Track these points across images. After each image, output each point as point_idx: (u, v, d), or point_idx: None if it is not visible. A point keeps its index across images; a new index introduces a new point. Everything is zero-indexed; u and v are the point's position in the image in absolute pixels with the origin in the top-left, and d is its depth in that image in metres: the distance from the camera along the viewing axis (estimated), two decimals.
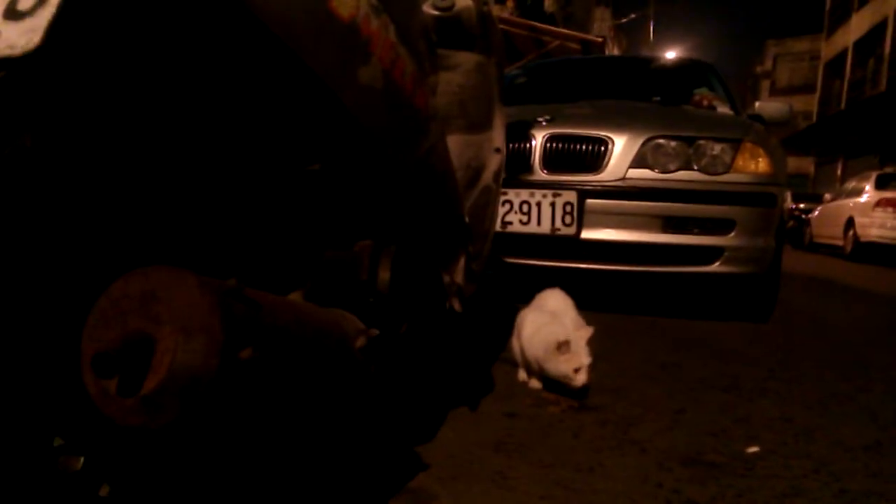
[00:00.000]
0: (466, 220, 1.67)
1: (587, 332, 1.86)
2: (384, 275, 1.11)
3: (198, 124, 0.84)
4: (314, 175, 0.96)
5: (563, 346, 1.80)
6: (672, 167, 3.06)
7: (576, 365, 1.80)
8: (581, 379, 1.81)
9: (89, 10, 0.61)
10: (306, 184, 0.97)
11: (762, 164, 3.12)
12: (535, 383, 1.97)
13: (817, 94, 30.01)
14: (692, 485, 1.36)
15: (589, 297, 2.69)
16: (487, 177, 2.00)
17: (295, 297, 1.00)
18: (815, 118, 27.60)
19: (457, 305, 1.53)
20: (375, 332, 0.99)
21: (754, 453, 1.56)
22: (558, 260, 3.18)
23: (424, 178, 1.21)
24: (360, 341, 0.96)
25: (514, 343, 2.07)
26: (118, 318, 0.64)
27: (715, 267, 3.05)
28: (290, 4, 0.75)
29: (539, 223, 3.11)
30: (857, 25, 25.15)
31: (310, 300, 1.02)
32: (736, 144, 3.11)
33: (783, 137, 18.02)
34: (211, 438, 0.78)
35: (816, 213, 13.11)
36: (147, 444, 0.65)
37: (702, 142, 3.09)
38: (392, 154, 1.03)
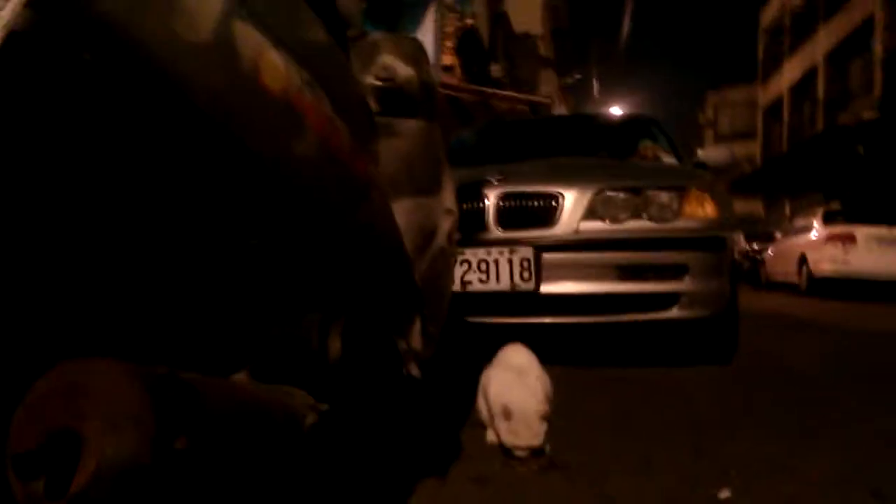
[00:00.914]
0: (419, 283, 1.66)
1: (544, 406, 1.84)
2: (334, 346, 1.10)
3: (127, 200, 0.82)
4: (254, 249, 0.95)
5: (504, 414, 1.80)
6: (622, 217, 3.12)
7: (513, 441, 1.81)
8: (521, 454, 1.80)
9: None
10: (246, 259, 0.96)
11: (709, 209, 3.20)
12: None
13: (759, 139, 31.29)
14: None
15: (553, 350, 2.69)
16: (441, 238, 2.01)
17: (240, 377, 0.98)
18: (759, 162, 28.68)
19: (414, 371, 1.50)
20: (325, 406, 0.97)
21: (727, 499, 1.55)
22: (520, 316, 3.18)
23: (369, 246, 1.21)
24: (311, 418, 0.94)
25: (481, 403, 2.04)
26: (42, 415, 0.61)
27: (673, 312, 3.09)
28: (219, 81, 0.75)
29: (498, 280, 3.12)
30: (790, 72, 26.50)
31: (256, 378, 0.99)
32: (682, 192, 3.19)
33: (732, 180, 18.63)
34: None
35: (770, 252, 13.46)
36: None
37: (649, 191, 3.17)
38: (333, 223, 1.03)
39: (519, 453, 1.79)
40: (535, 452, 1.80)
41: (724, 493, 1.57)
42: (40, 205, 0.74)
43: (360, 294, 1.30)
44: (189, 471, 0.67)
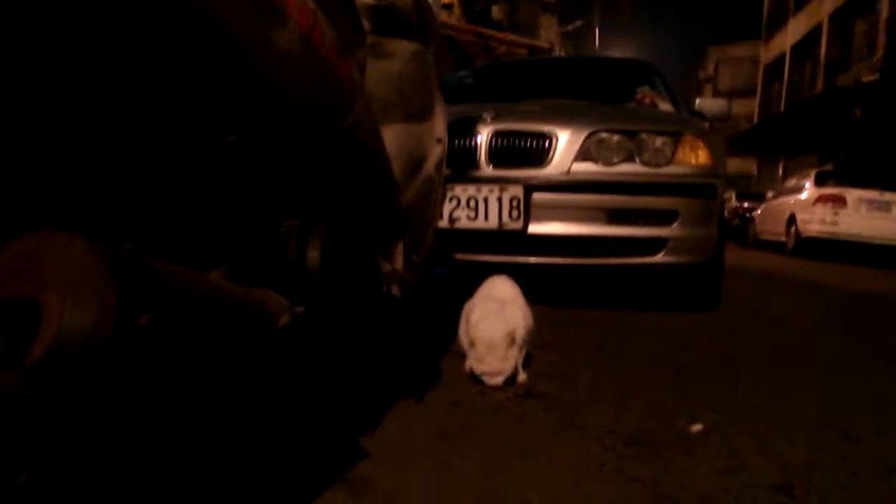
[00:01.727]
0: (405, 207, 1.64)
1: (517, 333, 1.84)
2: (313, 254, 1.08)
3: (103, 88, 0.79)
4: (231, 147, 0.92)
5: (472, 342, 1.82)
6: (615, 160, 3.09)
7: (482, 369, 1.82)
8: (489, 381, 1.82)
9: None
10: (223, 156, 0.93)
11: (702, 156, 3.18)
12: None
13: (758, 97, 30.98)
14: (635, 463, 1.36)
15: (538, 291, 2.69)
16: (429, 167, 1.98)
17: (214, 275, 0.96)
18: (755, 120, 28.49)
19: (395, 290, 1.49)
20: (301, 309, 0.96)
21: (698, 432, 1.57)
22: (507, 255, 3.18)
23: (352, 155, 1.18)
24: (285, 319, 0.92)
25: (462, 333, 2.04)
26: (0, 283, 0.59)
27: (660, 257, 3.09)
28: None
29: (486, 218, 3.10)
30: (794, 30, 26.09)
31: (232, 280, 0.97)
32: (676, 137, 3.16)
33: (726, 138, 18.51)
34: (115, 413, 0.73)
35: (759, 211, 13.49)
36: (36, 417, 0.60)
37: (643, 135, 3.13)
38: (312, 125, 1.00)
39: (486, 379, 1.80)
40: (506, 380, 1.82)
41: (696, 428, 1.59)
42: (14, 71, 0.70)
43: (342, 208, 1.28)
44: (153, 350, 0.65)
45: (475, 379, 1.86)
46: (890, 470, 1.37)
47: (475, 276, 2.16)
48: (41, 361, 0.57)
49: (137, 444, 0.91)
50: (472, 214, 3.11)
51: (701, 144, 3.20)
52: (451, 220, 3.13)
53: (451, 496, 1.17)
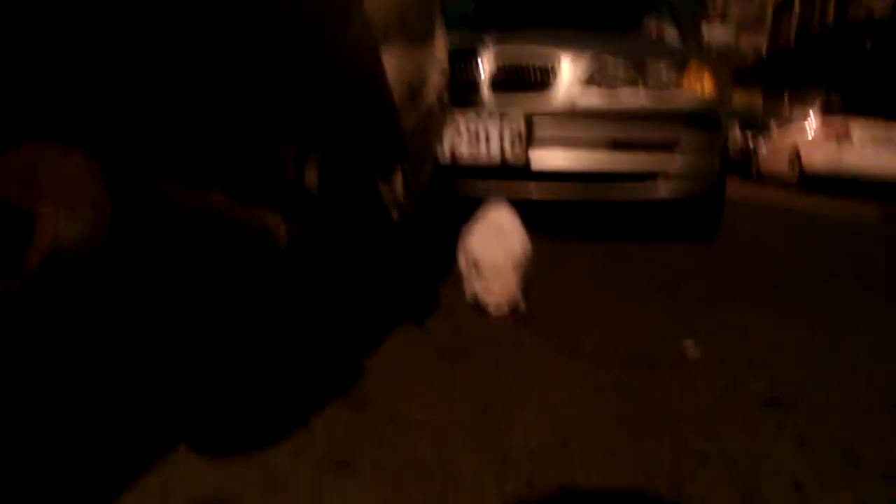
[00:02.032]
0: (404, 132, 1.62)
1: (519, 260, 1.85)
2: (311, 175, 1.07)
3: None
4: (227, 61, 0.90)
5: (475, 268, 1.81)
6: (619, 88, 3.04)
7: (487, 295, 1.82)
8: (493, 308, 1.82)
9: None
10: (215, 71, 0.91)
11: (707, 85, 3.12)
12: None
13: (767, 31, 30.16)
14: (632, 383, 1.39)
15: (538, 221, 2.69)
16: (429, 93, 1.94)
17: (213, 194, 0.96)
18: (764, 54, 27.82)
19: (395, 215, 1.50)
20: (298, 227, 0.96)
21: (692, 352, 1.60)
22: (508, 185, 3.16)
23: (350, 75, 1.16)
24: (282, 236, 0.93)
25: (461, 259, 2.05)
26: None
27: (661, 187, 3.08)
28: None
29: (487, 146, 3.07)
30: None
31: (231, 198, 0.97)
32: (682, 65, 3.10)
33: (733, 71, 18.13)
34: (114, 325, 0.75)
35: (764, 144, 13.31)
36: (37, 323, 0.61)
37: (648, 63, 3.06)
38: (310, 43, 0.97)
39: (491, 307, 1.82)
40: (509, 307, 1.83)
41: (693, 350, 1.62)
42: None
43: (341, 130, 1.26)
44: (150, 259, 0.66)
45: (477, 306, 1.88)
46: (880, 388, 1.40)
47: (474, 206, 2.16)
48: (38, 269, 0.58)
49: (140, 354, 0.93)
50: (473, 144, 3.08)
51: (706, 73, 3.14)
52: (452, 150, 3.09)
53: (447, 410, 1.21)
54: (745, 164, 14.29)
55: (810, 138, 10.32)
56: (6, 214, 0.59)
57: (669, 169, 3.05)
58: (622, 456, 1.05)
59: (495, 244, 1.88)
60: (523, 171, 3.08)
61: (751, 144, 14.60)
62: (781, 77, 23.23)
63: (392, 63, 1.61)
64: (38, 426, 0.80)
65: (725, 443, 1.10)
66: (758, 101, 28.11)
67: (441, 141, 2.78)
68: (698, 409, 1.25)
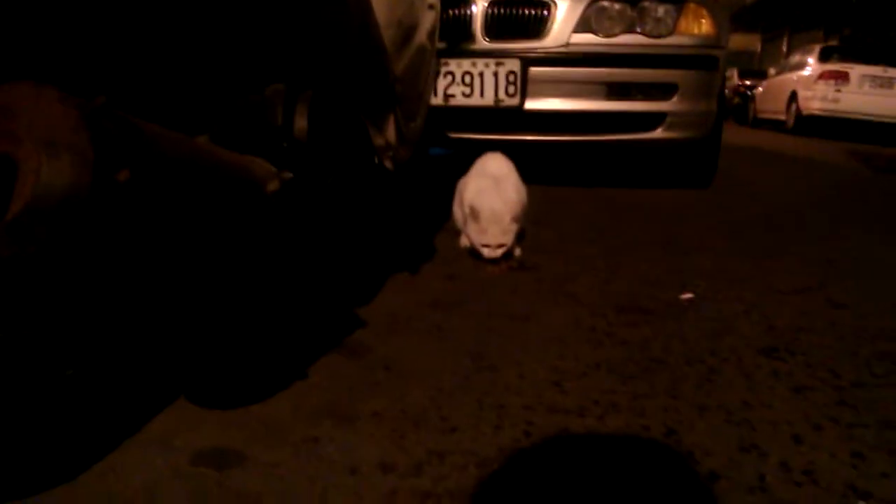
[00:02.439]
0: (396, 76, 1.58)
1: (515, 207, 1.83)
2: (301, 121, 1.04)
3: None
4: (209, 2, 0.86)
5: (472, 215, 1.79)
6: (616, 31, 2.97)
7: (484, 241, 1.80)
8: (489, 254, 1.80)
9: None
10: (203, 8, 0.87)
11: (705, 26, 3.05)
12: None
13: None
14: (625, 328, 1.39)
15: (534, 170, 2.66)
16: (421, 36, 1.89)
17: (199, 140, 0.93)
18: None
19: (388, 164, 1.47)
20: (289, 175, 0.93)
21: (687, 299, 1.60)
22: (503, 133, 3.12)
23: (337, 14, 1.12)
24: (273, 184, 0.91)
25: (456, 209, 2.04)
26: None
27: (658, 132, 3.04)
28: None
29: (482, 94, 3.01)
30: None
31: (218, 145, 0.94)
32: (679, 6, 3.02)
33: (731, 14, 17.72)
34: (103, 278, 0.73)
35: (760, 88, 13.15)
36: (20, 276, 0.59)
37: (646, 3, 2.98)
38: None
39: (487, 252, 1.80)
40: (505, 255, 1.82)
41: (686, 295, 1.62)
42: None
43: (329, 73, 1.22)
44: (135, 208, 0.64)
45: (473, 253, 1.87)
46: (874, 335, 1.41)
47: (469, 156, 2.12)
48: (20, 217, 0.55)
49: (130, 309, 0.92)
50: (467, 90, 3.02)
51: (705, 13, 3.06)
52: (446, 96, 3.03)
53: (443, 358, 1.21)
54: (742, 109, 14.16)
55: (808, 82, 10.18)
56: None
57: (667, 114, 3.01)
58: (618, 404, 1.05)
59: (492, 192, 1.85)
60: (518, 115, 3.03)
61: (748, 89, 14.42)
62: (779, 18, 22.80)
63: (381, 3, 1.55)
64: (34, 380, 0.79)
65: (722, 392, 1.11)
66: (755, 44, 27.66)
67: (434, 87, 2.72)
68: (693, 357, 1.25)
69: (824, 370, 1.21)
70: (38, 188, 0.55)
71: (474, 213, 1.77)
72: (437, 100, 2.99)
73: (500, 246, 1.79)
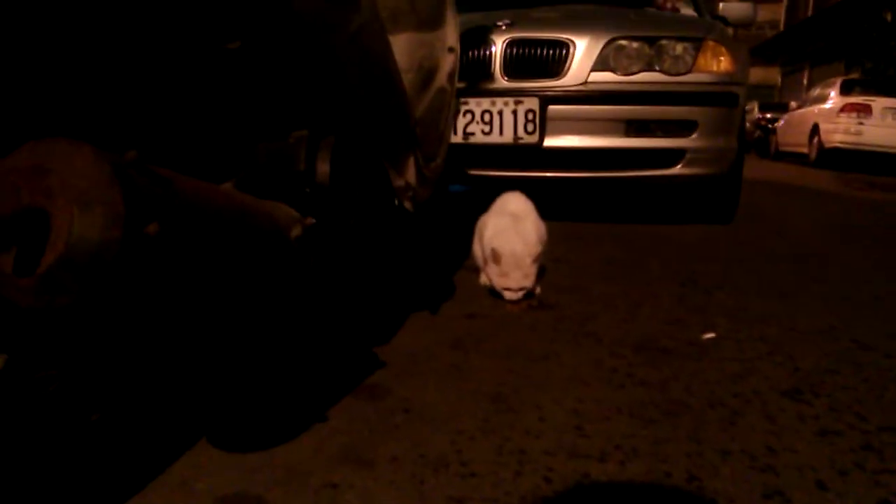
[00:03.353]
0: (416, 119, 1.61)
1: (536, 249, 1.83)
2: (323, 166, 1.07)
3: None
4: (234, 54, 0.89)
5: (494, 257, 1.79)
6: (634, 69, 3.00)
7: (506, 284, 1.80)
8: (511, 296, 1.80)
9: None
10: (226, 64, 0.90)
11: (724, 63, 3.07)
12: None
13: (784, 2, 29.58)
14: (645, 368, 1.38)
15: (554, 206, 2.67)
16: (441, 78, 1.92)
17: (225, 187, 0.95)
18: (781, 27, 27.30)
19: (408, 205, 1.49)
20: (311, 220, 0.95)
21: (709, 339, 1.59)
22: (522, 170, 3.14)
23: (359, 62, 1.15)
24: (296, 230, 0.92)
25: (476, 247, 2.05)
26: (8, 192, 0.59)
27: (677, 169, 3.04)
28: None
29: (501, 132, 3.05)
30: None
31: (243, 192, 0.97)
32: (698, 43, 3.04)
33: (750, 47, 17.81)
34: (130, 327, 0.75)
35: (782, 122, 13.13)
36: (51, 328, 0.61)
37: (664, 41, 3.02)
38: (317, 28, 0.96)
39: (509, 294, 1.81)
40: (526, 295, 1.82)
41: (707, 335, 1.61)
42: None
43: (351, 119, 1.25)
44: (164, 260, 0.66)
45: (492, 291, 1.87)
46: None
47: (489, 193, 2.14)
48: (52, 270, 0.57)
49: (155, 355, 0.93)
50: (487, 128, 3.06)
51: (723, 51, 3.08)
52: (465, 134, 3.07)
53: (463, 400, 1.21)
54: (763, 142, 14.13)
55: (830, 114, 10.15)
56: (18, 213, 0.59)
57: (686, 150, 3.01)
58: (639, 448, 1.04)
59: (513, 234, 1.86)
60: (537, 153, 3.05)
61: (769, 123, 14.40)
62: (799, 52, 22.82)
63: (402, 49, 1.59)
64: (60, 425, 0.81)
65: (746, 436, 1.09)
66: (775, 77, 27.65)
67: (454, 127, 2.76)
68: (715, 399, 1.23)
69: (850, 413, 1.19)
70: (70, 242, 0.57)
71: (496, 256, 1.78)
72: (456, 138, 3.03)
73: (522, 289, 1.79)
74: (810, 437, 1.09)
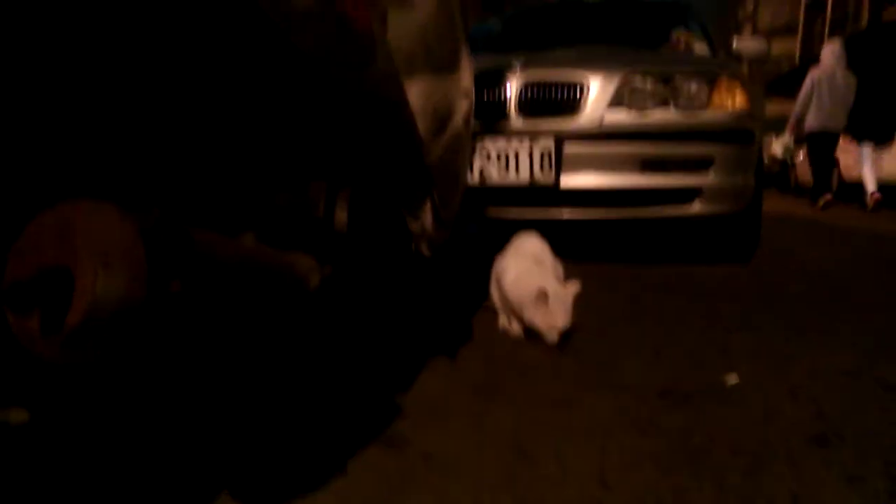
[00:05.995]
0: (433, 164, 1.63)
1: (574, 288, 1.82)
2: (341, 214, 1.08)
3: (128, 52, 0.79)
4: (254, 109, 0.91)
5: (541, 298, 1.78)
6: (649, 107, 3.01)
7: (552, 323, 1.78)
8: (554, 337, 1.79)
9: None
10: (244, 118, 0.92)
11: (739, 100, 3.07)
12: (515, 329, 1.95)
13: (799, 35, 29.71)
14: (669, 414, 1.36)
15: (570, 246, 2.67)
16: (456, 121, 1.94)
17: (245, 239, 0.97)
18: (797, 60, 27.39)
19: (424, 250, 1.50)
20: (329, 269, 0.96)
21: (732, 383, 1.56)
22: (539, 209, 3.15)
23: (375, 112, 1.17)
24: (315, 279, 0.93)
25: (494, 290, 2.05)
26: (34, 252, 0.60)
27: (695, 207, 3.03)
28: None
29: (517, 173, 3.06)
30: None
31: (262, 243, 0.98)
32: (713, 81, 3.05)
33: (766, 81, 17.86)
34: (153, 378, 0.75)
35: (801, 155, 13.06)
36: (78, 381, 0.62)
37: (678, 80, 3.03)
38: (332, 81, 0.98)
39: (553, 335, 1.79)
40: (563, 335, 1.81)
41: (730, 379, 1.58)
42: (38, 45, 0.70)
43: (368, 167, 1.27)
44: (186, 315, 0.67)
45: (529, 333, 1.86)
46: None
47: (504, 233, 2.15)
48: (77, 329, 0.58)
49: (175, 407, 0.94)
50: (503, 169, 3.08)
51: (738, 88, 3.09)
52: (481, 175, 3.09)
53: (483, 449, 1.19)
54: (782, 176, 14.05)
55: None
56: (44, 273, 0.60)
57: (703, 188, 3.00)
58: (663, 499, 1.02)
59: (542, 273, 1.86)
60: (553, 192, 3.06)
61: (788, 157, 14.33)
62: None
63: (418, 94, 1.61)
64: (82, 480, 0.81)
65: (770, 484, 1.07)
66: (792, 110, 27.58)
67: (470, 168, 2.78)
68: (739, 446, 1.21)
69: (877, 459, 1.16)
70: (94, 302, 0.58)
71: (542, 296, 1.76)
72: (472, 178, 3.05)
73: (566, 327, 1.78)
74: (836, 485, 1.06)
